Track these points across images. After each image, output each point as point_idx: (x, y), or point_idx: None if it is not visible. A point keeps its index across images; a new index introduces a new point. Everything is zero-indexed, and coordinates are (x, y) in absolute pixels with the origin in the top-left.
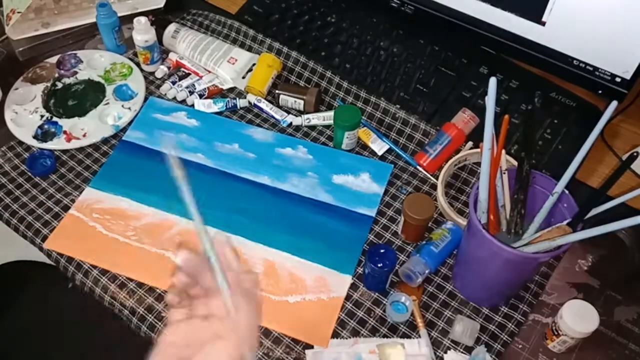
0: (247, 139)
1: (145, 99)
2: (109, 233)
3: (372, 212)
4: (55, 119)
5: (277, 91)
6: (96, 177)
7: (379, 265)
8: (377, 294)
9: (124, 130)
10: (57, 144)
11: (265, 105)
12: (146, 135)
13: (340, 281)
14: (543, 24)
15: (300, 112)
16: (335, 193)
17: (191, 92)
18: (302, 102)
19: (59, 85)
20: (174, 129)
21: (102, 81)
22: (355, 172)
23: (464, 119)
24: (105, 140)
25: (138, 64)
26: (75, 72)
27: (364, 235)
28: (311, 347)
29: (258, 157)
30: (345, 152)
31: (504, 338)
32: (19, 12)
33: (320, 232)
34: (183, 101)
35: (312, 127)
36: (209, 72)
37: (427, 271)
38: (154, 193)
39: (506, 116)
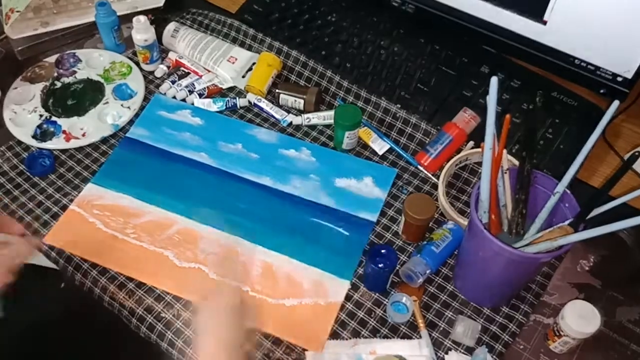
0: (251, 139)
1: (145, 98)
2: (108, 230)
3: (373, 217)
4: (54, 118)
5: (277, 90)
6: (98, 173)
7: (380, 265)
8: (377, 294)
9: (123, 129)
10: (56, 143)
11: (265, 105)
12: (150, 133)
13: (338, 286)
14: (544, 22)
15: (300, 112)
16: (337, 196)
17: (191, 92)
18: (302, 101)
19: (58, 84)
20: (178, 127)
21: (102, 80)
22: (358, 176)
23: (465, 118)
24: (104, 140)
25: (137, 63)
26: (74, 72)
27: (364, 240)
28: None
29: (261, 157)
30: (349, 156)
31: (505, 338)
32: (17, 11)
33: (320, 235)
34: (183, 100)
35: (313, 127)
36: (209, 71)
37: (427, 271)
38: (156, 191)
39: (507, 115)
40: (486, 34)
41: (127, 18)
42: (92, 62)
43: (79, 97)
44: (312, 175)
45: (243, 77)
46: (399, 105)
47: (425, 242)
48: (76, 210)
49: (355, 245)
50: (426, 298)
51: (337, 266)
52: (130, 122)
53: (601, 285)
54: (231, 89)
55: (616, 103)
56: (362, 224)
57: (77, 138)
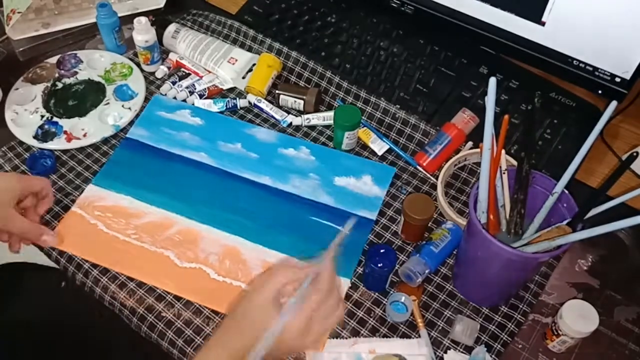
0: (250, 139)
1: (146, 99)
2: (109, 231)
3: (372, 216)
4: (55, 119)
5: (277, 91)
6: (99, 175)
7: (379, 265)
8: (377, 293)
9: (124, 130)
10: (57, 144)
11: (265, 106)
12: (150, 133)
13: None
14: (543, 24)
15: (300, 112)
16: (337, 195)
17: (191, 92)
18: (302, 102)
19: (59, 85)
20: (178, 127)
21: (103, 81)
22: (357, 174)
23: (463, 119)
24: (105, 140)
25: (138, 64)
26: (76, 72)
27: (364, 239)
28: None
29: (260, 157)
30: (348, 154)
31: (504, 338)
32: (19, 12)
33: (320, 234)
34: (183, 101)
35: (312, 127)
36: (209, 72)
37: (427, 271)
38: (156, 191)
39: (506, 116)
40: (485, 35)
41: (128, 19)
42: (93, 63)
43: (80, 98)
44: (312, 174)
45: (243, 78)
46: (398, 106)
47: (424, 242)
48: (77, 212)
49: (355, 244)
50: (425, 297)
51: (337, 264)
52: (131, 123)
53: (599, 284)
54: (231, 89)
55: (614, 103)
56: (361, 223)
57: (78, 138)
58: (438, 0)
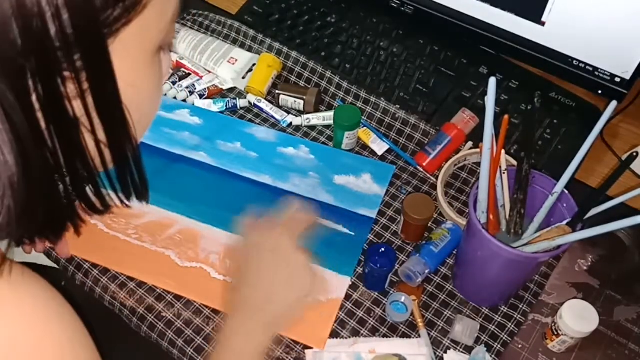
0: (250, 138)
1: None
2: (110, 231)
3: (372, 214)
4: None
5: (277, 91)
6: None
7: (379, 265)
8: (376, 293)
9: None
10: None
11: (265, 106)
12: (149, 133)
13: (339, 283)
14: (543, 24)
15: (300, 112)
16: (336, 194)
17: (191, 93)
18: (302, 102)
19: None
20: (177, 127)
21: None
22: (356, 173)
23: (463, 119)
24: None
25: None
26: None
27: (364, 237)
28: (311, 347)
29: (260, 156)
30: (347, 152)
31: (504, 338)
32: None
33: (320, 232)
34: (183, 101)
35: (312, 127)
36: (209, 72)
37: (427, 271)
38: (156, 191)
39: (506, 116)
40: (485, 35)
41: None
42: None
43: None
44: (311, 172)
45: (243, 78)
46: (398, 106)
47: (424, 242)
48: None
49: (355, 242)
50: (425, 297)
51: (338, 263)
52: None
53: (599, 284)
54: (231, 89)
55: (614, 103)
56: (362, 221)
57: None
58: (438, 0)
